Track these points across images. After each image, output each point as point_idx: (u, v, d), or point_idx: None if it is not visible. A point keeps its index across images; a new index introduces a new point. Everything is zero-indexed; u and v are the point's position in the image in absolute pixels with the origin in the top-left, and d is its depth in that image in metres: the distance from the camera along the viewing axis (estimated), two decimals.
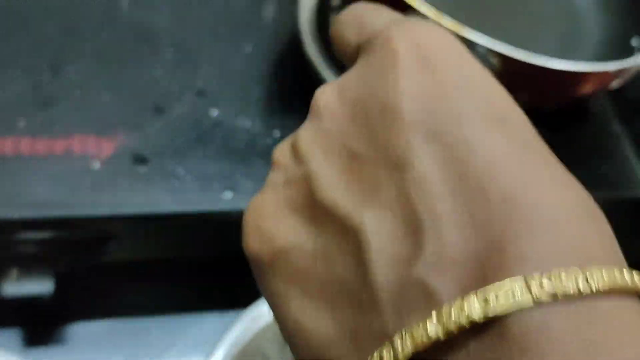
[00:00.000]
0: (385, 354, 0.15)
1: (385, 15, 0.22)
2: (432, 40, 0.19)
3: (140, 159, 0.40)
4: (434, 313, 0.14)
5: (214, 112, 0.44)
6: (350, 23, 0.23)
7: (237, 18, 0.49)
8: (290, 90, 0.47)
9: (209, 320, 0.45)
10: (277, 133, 0.44)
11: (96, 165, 0.39)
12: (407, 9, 0.34)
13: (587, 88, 0.42)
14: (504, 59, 0.34)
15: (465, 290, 0.14)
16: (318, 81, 0.46)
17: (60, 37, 0.44)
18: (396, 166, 0.17)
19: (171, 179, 0.40)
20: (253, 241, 0.19)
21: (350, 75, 0.20)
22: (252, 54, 0.48)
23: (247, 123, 0.44)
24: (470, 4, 0.47)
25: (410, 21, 0.20)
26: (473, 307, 0.14)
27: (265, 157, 0.43)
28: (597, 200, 0.16)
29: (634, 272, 0.15)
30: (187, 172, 0.40)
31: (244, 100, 0.45)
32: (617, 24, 0.49)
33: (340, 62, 0.48)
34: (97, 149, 0.39)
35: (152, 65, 0.44)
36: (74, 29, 0.44)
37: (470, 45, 0.33)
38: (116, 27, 0.45)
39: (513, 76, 0.36)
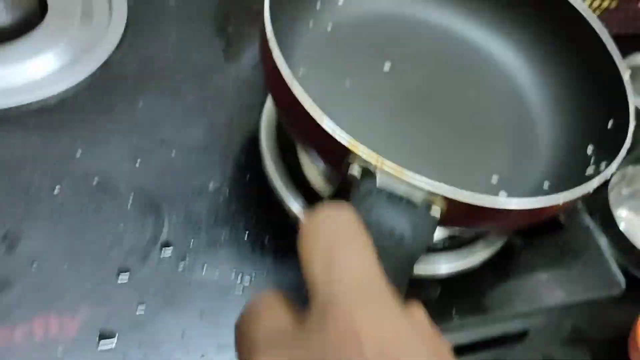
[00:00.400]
0: None
1: (359, 269, 0.21)
2: (396, 338, 0.18)
3: (107, 335, 0.38)
4: None
5: (181, 266, 0.42)
6: (319, 251, 0.21)
7: (196, 154, 0.47)
8: (257, 227, 0.45)
9: None
10: (246, 281, 0.43)
11: (59, 350, 0.36)
12: (349, 153, 0.33)
13: (546, 216, 0.40)
14: (450, 201, 0.33)
15: None
16: (285, 213, 0.45)
17: (12, 201, 0.42)
18: None
19: (141, 353, 0.38)
20: None
21: (301, 351, 0.19)
22: (216, 190, 0.46)
23: (215, 274, 0.42)
24: (419, 124, 0.46)
25: (379, 302, 0.19)
26: None
27: (235, 311, 0.41)
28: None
29: None
30: (158, 343, 0.38)
31: (210, 246, 0.43)
32: (571, 132, 0.48)
33: (307, 193, 0.46)
34: (60, 331, 0.37)
35: (113, 219, 0.42)
36: (27, 188, 0.42)
37: (413, 187, 0.32)
38: (71, 180, 0.43)
39: (466, 214, 0.35)
